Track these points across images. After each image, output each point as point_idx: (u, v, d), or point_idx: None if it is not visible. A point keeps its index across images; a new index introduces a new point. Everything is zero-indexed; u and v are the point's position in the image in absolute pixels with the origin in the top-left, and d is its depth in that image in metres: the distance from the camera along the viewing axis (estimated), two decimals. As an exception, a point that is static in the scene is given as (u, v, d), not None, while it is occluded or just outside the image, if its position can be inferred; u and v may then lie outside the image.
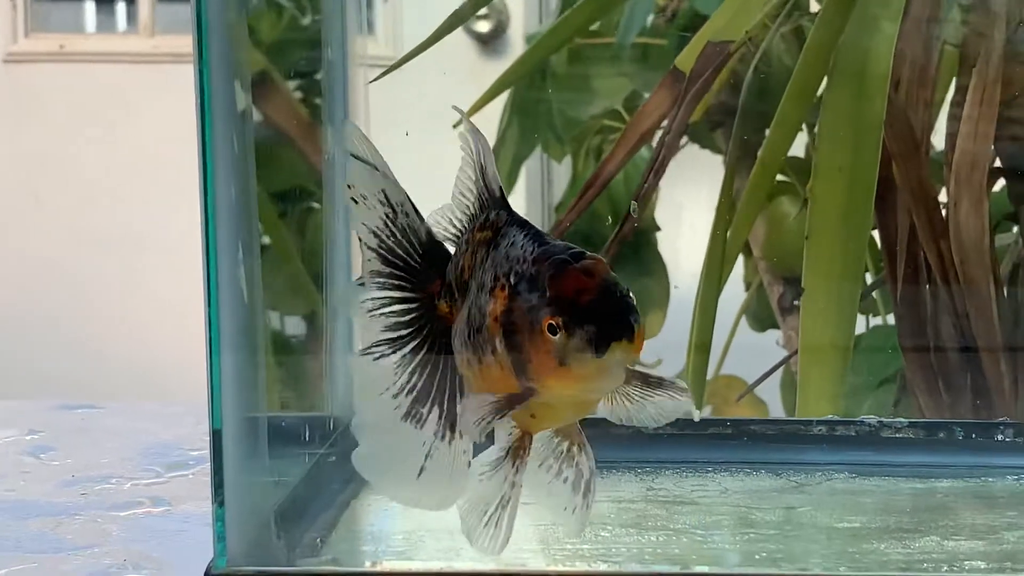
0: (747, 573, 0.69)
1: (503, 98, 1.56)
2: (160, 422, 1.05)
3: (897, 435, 0.87)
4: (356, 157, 0.69)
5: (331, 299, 0.89)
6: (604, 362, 0.62)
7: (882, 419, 0.87)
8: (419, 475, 0.70)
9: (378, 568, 0.71)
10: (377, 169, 0.69)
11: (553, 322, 0.63)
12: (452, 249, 0.72)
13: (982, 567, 0.71)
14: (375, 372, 0.70)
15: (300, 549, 0.71)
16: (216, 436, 0.67)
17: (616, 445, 0.87)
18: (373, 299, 0.70)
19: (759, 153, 1.19)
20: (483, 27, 1.85)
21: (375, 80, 1.02)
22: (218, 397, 0.67)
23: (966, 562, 0.71)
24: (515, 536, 0.67)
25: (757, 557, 0.73)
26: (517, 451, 0.68)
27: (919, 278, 1.17)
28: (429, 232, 0.71)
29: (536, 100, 1.63)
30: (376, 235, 0.70)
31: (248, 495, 0.69)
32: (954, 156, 1.15)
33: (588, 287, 0.63)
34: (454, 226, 0.71)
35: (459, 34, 1.88)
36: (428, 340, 0.70)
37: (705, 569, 0.70)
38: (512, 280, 0.65)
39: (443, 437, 0.70)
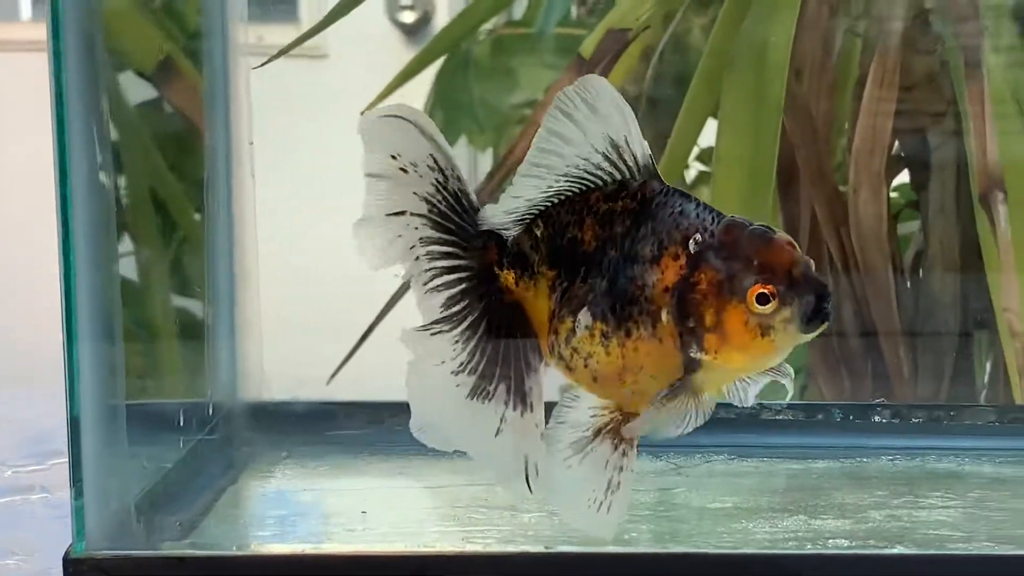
0: (609, 552, 0.70)
1: (426, 89, 1.56)
2: (42, 409, 1.05)
3: (776, 417, 0.89)
4: (400, 118, 0.66)
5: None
6: (803, 336, 0.62)
7: (762, 402, 0.88)
8: (496, 435, 0.67)
9: (243, 552, 0.72)
10: (423, 132, 0.66)
11: (766, 291, 0.62)
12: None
13: (845, 544, 0.72)
14: (428, 346, 0.67)
15: (164, 533, 0.71)
16: (74, 424, 0.67)
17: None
18: (428, 271, 0.68)
19: (668, 142, 1.20)
20: (408, 18, 1.84)
21: (259, 67, 1.01)
22: (76, 385, 0.67)
23: (830, 540, 0.72)
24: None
25: (625, 537, 0.73)
26: (618, 433, 0.67)
27: (821, 266, 1.19)
28: (474, 197, 0.68)
29: (460, 90, 1.63)
30: (428, 201, 0.67)
31: (109, 481, 0.69)
32: (854, 144, 1.17)
33: (798, 260, 0.63)
34: (542, 196, 0.67)
35: (385, 25, 1.89)
36: (488, 314, 0.68)
37: (569, 549, 0.70)
38: (693, 248, 0.64)
39: (515, 408, 0.68)
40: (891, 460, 0.86)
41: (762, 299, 0.62)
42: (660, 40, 1.22)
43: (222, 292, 0.88)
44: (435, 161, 0.66)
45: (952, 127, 1.15)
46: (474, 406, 0.67)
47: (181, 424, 0.81)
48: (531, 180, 0.67)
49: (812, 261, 0.63)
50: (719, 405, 0.91)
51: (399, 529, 0.75)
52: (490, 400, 0.67)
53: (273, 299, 0.92)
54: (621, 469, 0.67)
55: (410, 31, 1.88)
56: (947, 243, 1.18)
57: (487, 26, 1.62)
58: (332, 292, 1.05)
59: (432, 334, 0.67)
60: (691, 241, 0.63)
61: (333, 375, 1.13)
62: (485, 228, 0.67)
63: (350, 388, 1.01)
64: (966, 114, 1.07)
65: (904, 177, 1.23)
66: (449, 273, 0.68)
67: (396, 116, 0.66)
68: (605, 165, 0.66)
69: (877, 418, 0.88)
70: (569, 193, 0.66)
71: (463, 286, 0.68)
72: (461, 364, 0.67)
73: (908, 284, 1.20)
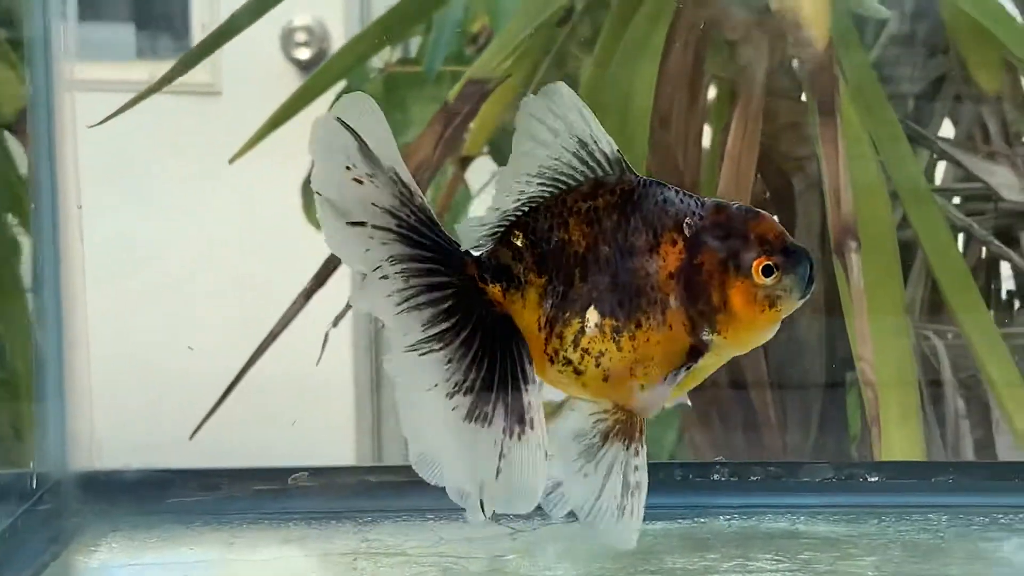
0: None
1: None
2: None
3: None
4: (354, 132, 0.63)
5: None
6: (798, 303, 0.64)
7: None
8: (496, 477, 0.66)
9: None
10: (390, 142, 0.64)
11: (770, 262, 0.63)
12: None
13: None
14: (418, 369, 0.65)
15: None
16: None
17: (336, 495, 0.87)
18: (404, 289, 0.65)
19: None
20: (304, 54, 1.83)
21: (95, 125, 0.99)
22: None
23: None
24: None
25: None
26: (627, 432, 0.66)
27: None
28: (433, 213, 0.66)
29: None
30: (393, 214, 0.64)
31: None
32: (718, 189, 1.17)
33: (785, 232, 0.64)
34: (513, 207, 0.66)
35: (281, 61, 1.88)
36: (480, 330, 0.66)
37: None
38: (687, 231, 0.64)
39: (512, 435, 0.66)
40: (728, 520, 0.86)
41: (767, 271, 0.63)
42: (528, 87, 1.23)
43: (49, 355, 0.86)
44: (397, 175, 0.65)
45: (816, 173, 1.16)
46: (473, 430, 0.66)
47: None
48: (507, 183, 0.66)
49: None
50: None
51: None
52: (489, 424, 0.66)
53: (105, 360, 0.90)
54: (636, 468, 0.66)
55: (306, 67, 1.86)
56: (815, 291, 1.19)
57: (378, 64, 1.62)
58: (166, 353, 1.03)
59: (421, 355, 0.65)
60: (684, 225, 0.64)
61: (195, 431, 1.11)
62: (459, 245, 0.66)
63: (188, 454, 0.99)
64: (821, 162, 1.08)
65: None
66: (432, 291, 0.66)
67: (351, 130, 0.64)
68: (576, 163, 0.66)
69: (716, 476, 0.88)
70: (543, 197, 0.66)
71: (450, 303, 0.66)
72: (456, 385, 0.66)
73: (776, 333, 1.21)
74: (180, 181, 1.64)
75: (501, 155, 1.43)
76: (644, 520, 0.86)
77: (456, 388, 0.66)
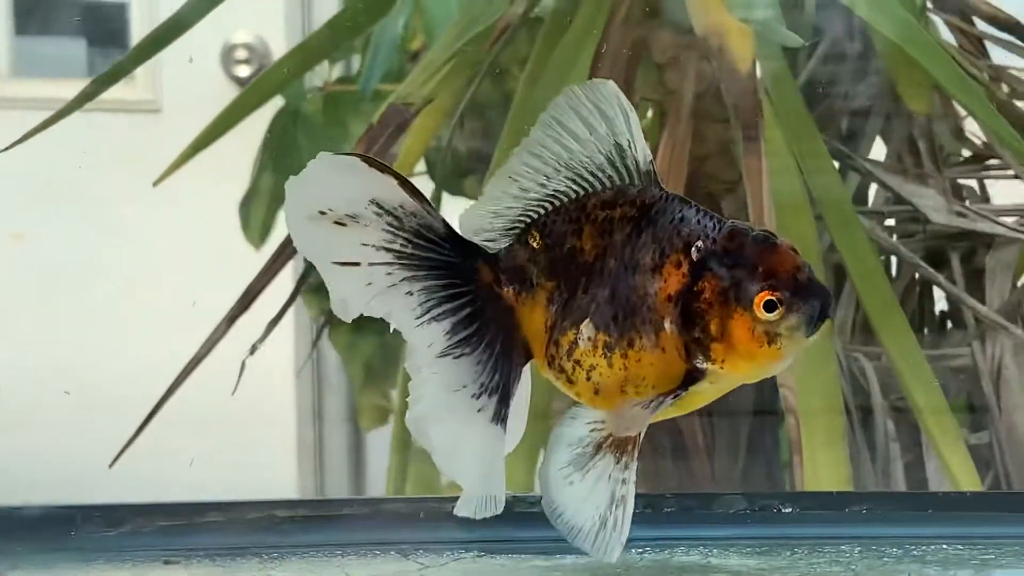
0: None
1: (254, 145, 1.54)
2: None
3: (530, 509, 0.87)
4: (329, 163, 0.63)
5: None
6: (808, 341, 0.61)
7: (515, 493, 0.86)
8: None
9: None
10: (366, 171, 0.63)
11: (773, 298, 0.61)
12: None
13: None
14: (453, 373, 0.66)
15: None
16: None
17: (243, 530, 0.86)
18: (424, 303, 0.65)
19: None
20: (244, 71, 1.82)
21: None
22: None
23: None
24: None
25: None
26: (620, 445, 0.65)
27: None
28: (446, 224, 0.65)
29: (290, 146, 1.61)
30: (388, 250, 0.64)
31: None
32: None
33: (801, 265, 0.61)
34: (536, 199, 0.65)
35: (221, 78, 1.86)
36: (500, 335, 0.66)
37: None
38: (695, 255, 0.62)
39: (498, 423, 0.66)
40: (640, 553, 0.85)
41: (769, 306, 0.61)
42: (458, 106, 1.22)
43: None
44: (380, 206, 0.64)
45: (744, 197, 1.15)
46: (495, 431, 0.66)
47: None
48: (530, 172, 0.65)
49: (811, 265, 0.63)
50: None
51: None
52: (502, 422, 0.66)
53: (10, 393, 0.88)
54: (624, 482, 0.66)
55: (246, 84, 1.85)
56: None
57: (317, 83, 1.61)
58: (59, 386, 1.02)
59: (455, 358, 0.65)
60: (693, 248, 0.62)
61: (116, 458, 1.10)
62: (470, 245, 0.66)
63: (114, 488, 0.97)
64: (746, 189, 1.08)
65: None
66: (450, 301, 0.66)
67: (324, 164, 0.63)
68: (607, 167, 0.64)
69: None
70: (565, 195, 0.65)
71: (468, 310, 0.66)
72: (482, 386, 0.65)
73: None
74: (117, 200, 1.62)
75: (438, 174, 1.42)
76: (555, 555, 0.85)
77: (482, 389, 0.66)
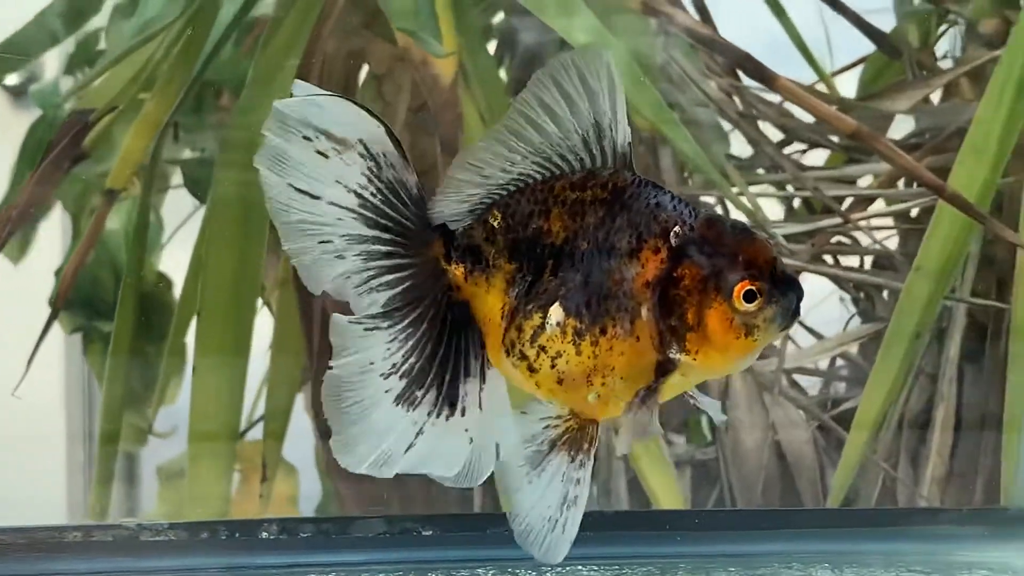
0: None
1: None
2: None
3: (157, 538, 0.83)
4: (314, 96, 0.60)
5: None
6: (778, 335, 0.60)
7: (141, 522, 0.82)
8: (406, 451, 0.62)
9: None
10: (357, 111, 0.60)
11: (753, 288, 0.59)
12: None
13: None
14: (359, 344, 0.62)
15: None
16: None
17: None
18: (364, 271, 0.61)
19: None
20: (13, 80, 1.76)
21: None
22: None
23: None
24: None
25: None
26: (576, 442, 0.63)
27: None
28: (419, 185, 0.62)
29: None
30: (358, 194, 0.61)
31: None
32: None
33: (777, 257, 0.60)
34: (501, 179, 0.62)
35: (-10, 86, 1.80)
36: (431, 312, 0.62)
37: None
38: (673, 242, 0.60)
39: (439, 415, 0.62)
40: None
41: (749, 296, 0.60)
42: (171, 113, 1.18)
43: None
44: (366, 148, 0.61)
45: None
46: (396, 413, 0.62)
47: None
48: (496, 153, 0.62)
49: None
50: (96, 527, 0.86)
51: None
52: (415, 408, 0.62)
53: None
54: (578, 482, 0.63)
55: (16, 92, 1.80)
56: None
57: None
58: None
59: (366, 329, 0.62)
60: (671, 234, 0.60)
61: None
62: (433, 221, 0.62)
63: None
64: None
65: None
66: (390, 272, 0.62)
67: (318, 95, 0.61)
68: (580, 149, 0.61)
69: (264, 534, 0.84)
70: (533, 176, 0.62)
71: (406, 284, 0.62)
72: (393, 366, 0.62)
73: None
74: None
75: (196, 186, 1.39)
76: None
77: (393, 370, 0.62)
